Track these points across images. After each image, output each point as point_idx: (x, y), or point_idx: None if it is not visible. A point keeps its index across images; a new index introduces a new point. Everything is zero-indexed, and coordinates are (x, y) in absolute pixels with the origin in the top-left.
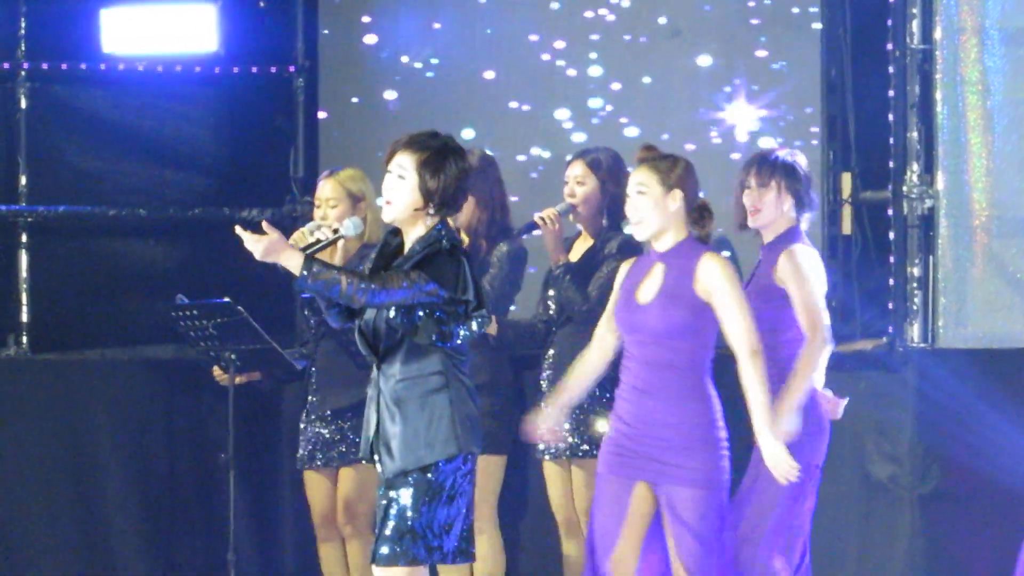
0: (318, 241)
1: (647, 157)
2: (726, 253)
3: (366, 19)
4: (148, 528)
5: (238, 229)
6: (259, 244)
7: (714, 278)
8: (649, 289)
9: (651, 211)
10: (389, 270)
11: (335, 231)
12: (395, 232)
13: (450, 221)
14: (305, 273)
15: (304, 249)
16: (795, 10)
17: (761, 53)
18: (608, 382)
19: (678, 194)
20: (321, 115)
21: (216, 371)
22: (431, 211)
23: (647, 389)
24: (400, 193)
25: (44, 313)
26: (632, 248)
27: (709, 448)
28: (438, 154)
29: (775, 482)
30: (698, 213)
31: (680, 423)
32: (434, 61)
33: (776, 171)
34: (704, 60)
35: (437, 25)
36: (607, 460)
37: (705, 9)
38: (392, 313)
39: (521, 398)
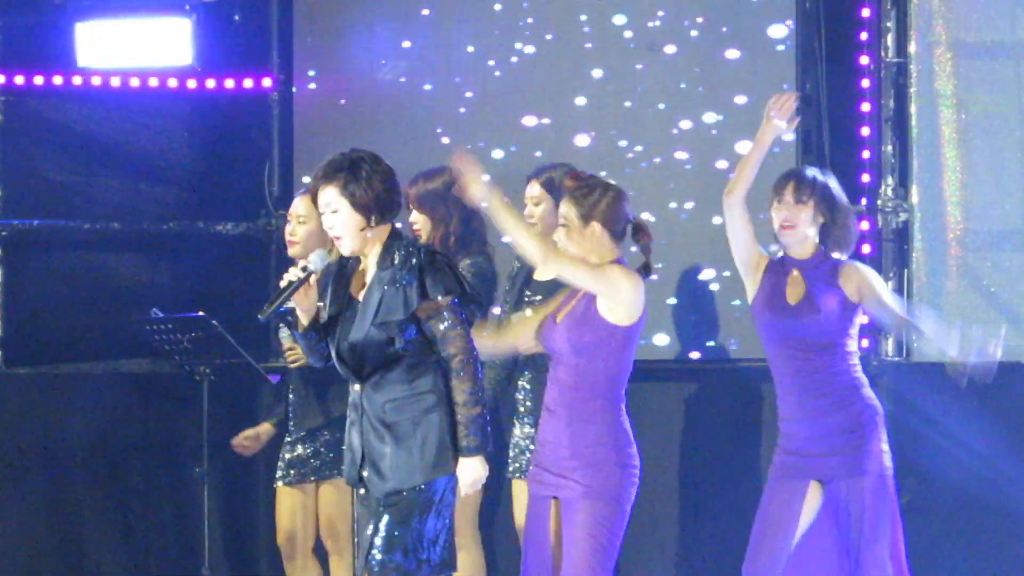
0: (290, 283)
1: (570, 187)
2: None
3: (342, 33)
4: (123, 542)
5: None
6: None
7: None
8: (564, 311)
9: (571, 242)
10: (406, 321)
11: (303, 269)
12: (342, 264)
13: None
14: (483, 442)
15: (277, 298)
16: (770, 23)
17: (735, 66)
18: None
19: (595, 226)
20: (296, 129)
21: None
22: (374, 223)
23: (553, 407)
24: (342, 225)
25: (18, 327)
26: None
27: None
28: (351, 170)
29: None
30: (633, 232)
31: (572, 442)
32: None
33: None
34: (679, 73)
35: (408, 44)
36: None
37: (683, 24)
38: (402, 343)
39: (496, 412)
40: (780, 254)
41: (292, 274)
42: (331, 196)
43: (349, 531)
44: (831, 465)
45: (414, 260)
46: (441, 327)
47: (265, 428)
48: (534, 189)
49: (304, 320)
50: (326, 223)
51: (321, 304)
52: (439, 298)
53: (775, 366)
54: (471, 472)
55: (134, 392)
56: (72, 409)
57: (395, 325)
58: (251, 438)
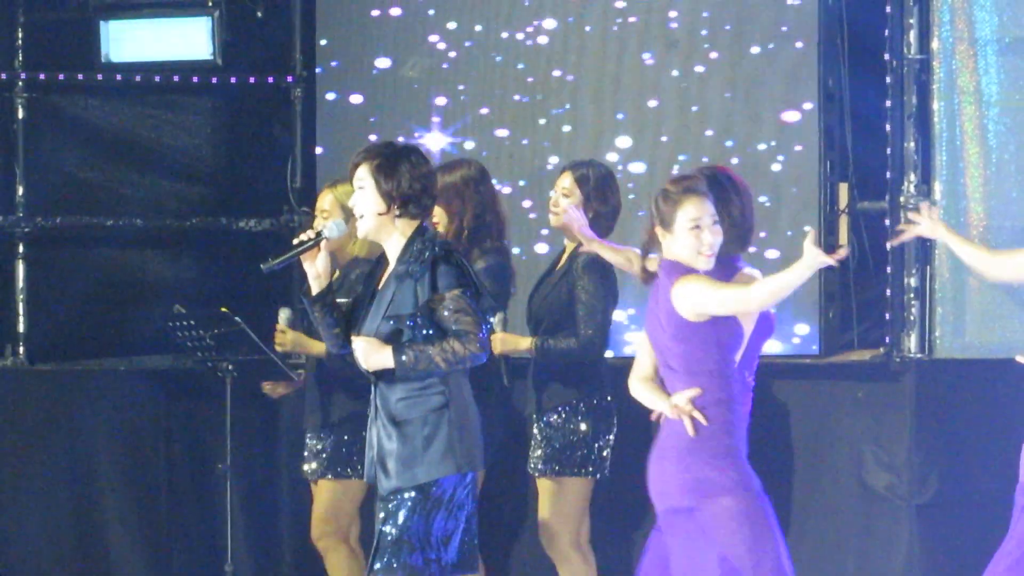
0: (300, 243)
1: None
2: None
3: (364, 28)
4: (146, 538)
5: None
6: (362, 354)
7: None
8: None
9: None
10: (429, 312)
11: (317, 233)
12: (379, 261)
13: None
14: (400, 368)
15: (285, 254)
16: (793, 20)
17: (758, 63)
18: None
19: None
20: (318, 125)
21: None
22: (396, 213)
23: None
24: (363, 203)
25: (41, 324)
26: (599, 265)
27: None
28: (390, 158)
29: None
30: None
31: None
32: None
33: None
34: (700, 70)
35: (434, 38)
36: None
37: (704, 20)
38: (409, 336)
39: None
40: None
41: (306, 235)
42: (362, 173)
43: (344, 527)
44: None
45: (427, 254)
46: (447, 314)
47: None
48: (566, 181)
49: (314, 287)
50: (352, 200)
51: (343, 300)
52: (447, 293)
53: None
54: (363, 346)
55: (157, 388)
56: (95, 405)
57: (405, 318)
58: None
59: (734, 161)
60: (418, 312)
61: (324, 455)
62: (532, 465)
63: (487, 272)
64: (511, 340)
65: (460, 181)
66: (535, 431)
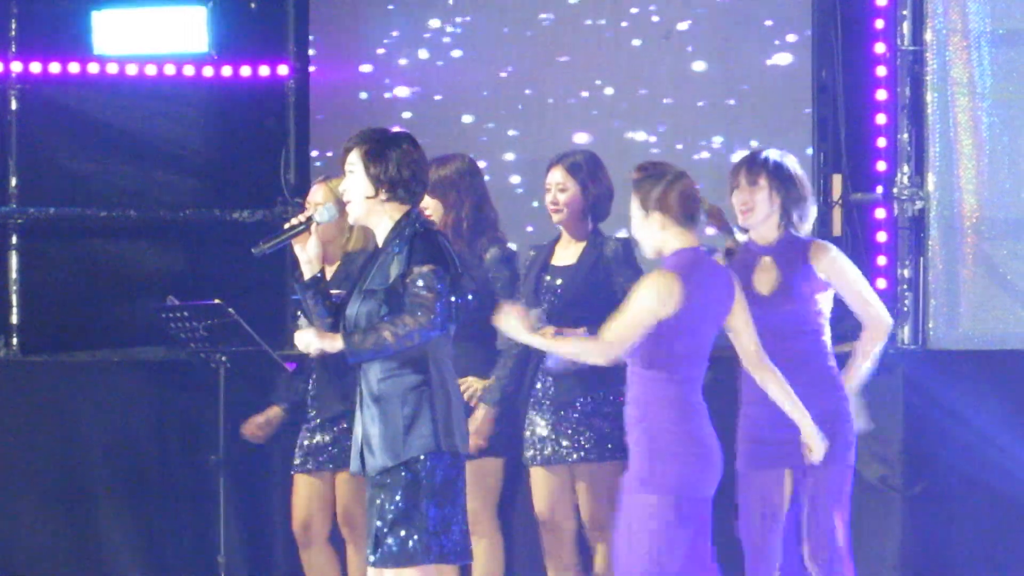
0: (292, 227)
1: (634, 179)
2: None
3: (358, 19)
4: (138, 529)
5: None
6: (303, 343)
7: None
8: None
9: (639, 234)
10: (392, 289)
11: (308, 218)
12: (374, 251)
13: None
14: (349, 349)
15: (276, 237)
16: (786, 11)
17: (753, 54)
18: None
19: (656, 216)
20: (312, 117)
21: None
22: (384, 197)
23: None
24: (352, 187)
25: (35, 314)
26: (630, 251)
27: None
28: (379, 142)
29: None
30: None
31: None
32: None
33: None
34: (696, 64)
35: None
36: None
37: (697, 11)
38: (385, 311)
39: (516, 401)
40: (745, 239)
41: (296, 220)
42: (353, 158)
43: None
44: (803, 454)
45: (407, 231)
46: (413, 290)
47: (275, 412)
48: (557, 175)
49: (306, 272)
50: (342, 185)
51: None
52: (417, 268)
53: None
54: (305, 336)
55: (150, 380)
56: (88, 397)
57: (381, 293)
58: (261, 424)
59: (729, 153)
60: (391, 287)
61: (339, 445)
62: (565, 452)
63: (503, 261)
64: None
65: (455, 174)
66: (557, 420)
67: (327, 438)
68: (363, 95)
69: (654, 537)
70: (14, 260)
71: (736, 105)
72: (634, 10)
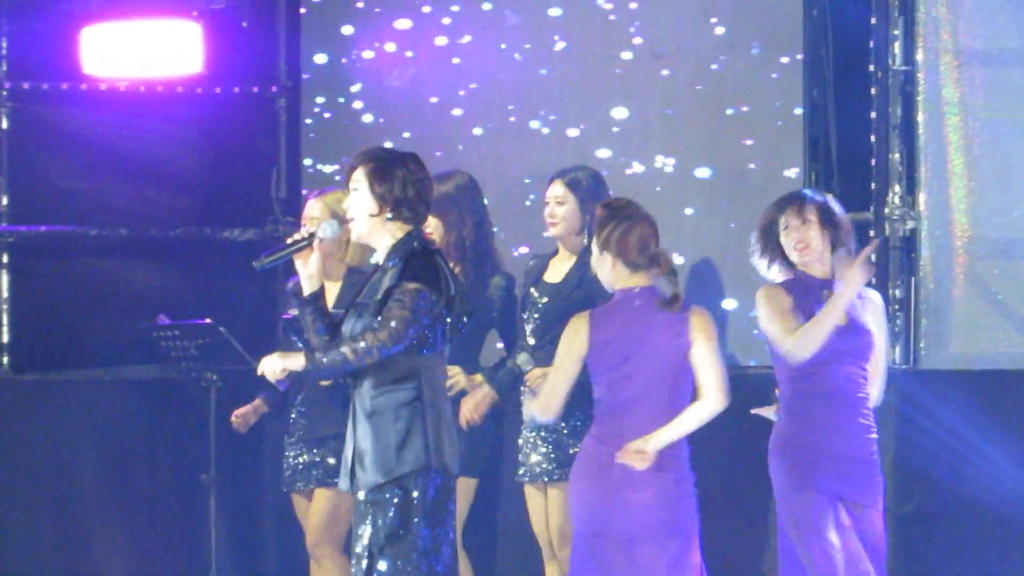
0: (295, 242)
1: (597, 215)
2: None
3: (348, 40)
4: (130, 548)
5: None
6: (269, 369)
7: None
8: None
9: (597, 270)
10: (381, 303)
11: (311, 234)
12: (374, 270)
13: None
14: (311, 366)
15: (277, 252)
16: (777, 30)
17: (744, 74)
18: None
19: (608, 257)
20: (303, 136)
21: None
22: (388, 216)
23: None
24: (357, 205)
25: (25, 333)
26: None
27: None
28: (384, 161)
29: None
30: (650, 263)
31: None
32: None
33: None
34: (685, 83)
35: (412, 54)
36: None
37: (689, 32)
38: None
39: (497, 420)
40: (781, 278)
41: (299, 235)
42: (358, 175)
43: (340, 536)
44: (860, 488)
45: (405, 248)
46: (391, 303)
47: (258, 404)
48: (558, 189)
49: (306, 287)
50: (347, 202)
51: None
52: (405, 284)
53: (818, 376)
54: (270, 362)
55: (141, 398)
56: (79, 415)
57: (372, 306)
58: (247, 413)
59: (720, 171)
60: (380, 300)
61: (322, 466)
62: (534, 472)
63: (505, 290)
64: None
65: (455, 190)
66: (533, 437)
67: (314, 460)
68: (354, 114)
69: None
70: (4, 278)
71: (728, 125)
72: (629, 29)
